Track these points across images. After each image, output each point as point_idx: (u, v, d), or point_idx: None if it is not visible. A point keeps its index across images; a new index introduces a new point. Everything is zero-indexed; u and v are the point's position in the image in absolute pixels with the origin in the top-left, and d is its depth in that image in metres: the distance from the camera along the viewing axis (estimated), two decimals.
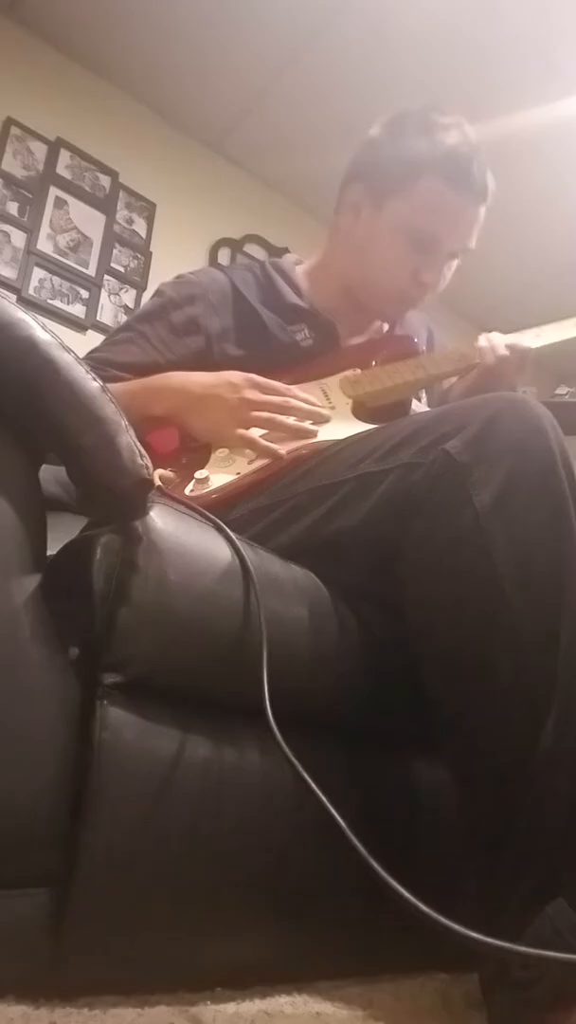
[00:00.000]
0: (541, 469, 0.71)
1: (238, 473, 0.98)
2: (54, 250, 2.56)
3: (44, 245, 2.55)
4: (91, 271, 2.63)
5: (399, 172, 1.09)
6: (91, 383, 0.64)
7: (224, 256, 2.97)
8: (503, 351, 1.06)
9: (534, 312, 1.19)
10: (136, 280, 2.74)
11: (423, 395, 1.22)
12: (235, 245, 3.01)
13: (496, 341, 1.07)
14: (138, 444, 0.65)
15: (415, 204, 1.08)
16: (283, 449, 0.96)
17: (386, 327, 1.26)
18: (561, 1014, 0.56)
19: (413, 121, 1.11)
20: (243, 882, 0.67)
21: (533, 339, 1.08)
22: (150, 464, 0.65)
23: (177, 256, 2.79)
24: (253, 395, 0.99)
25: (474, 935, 0.48)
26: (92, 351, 1.14)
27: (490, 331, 1.10)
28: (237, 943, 0.69)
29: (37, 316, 0.64)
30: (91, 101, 2.72)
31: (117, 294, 2.69)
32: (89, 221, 2.67)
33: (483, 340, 1.08)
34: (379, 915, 0.66)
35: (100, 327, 2.57)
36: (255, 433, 0.98)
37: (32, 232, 2.52)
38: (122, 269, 2.72)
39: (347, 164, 1.17)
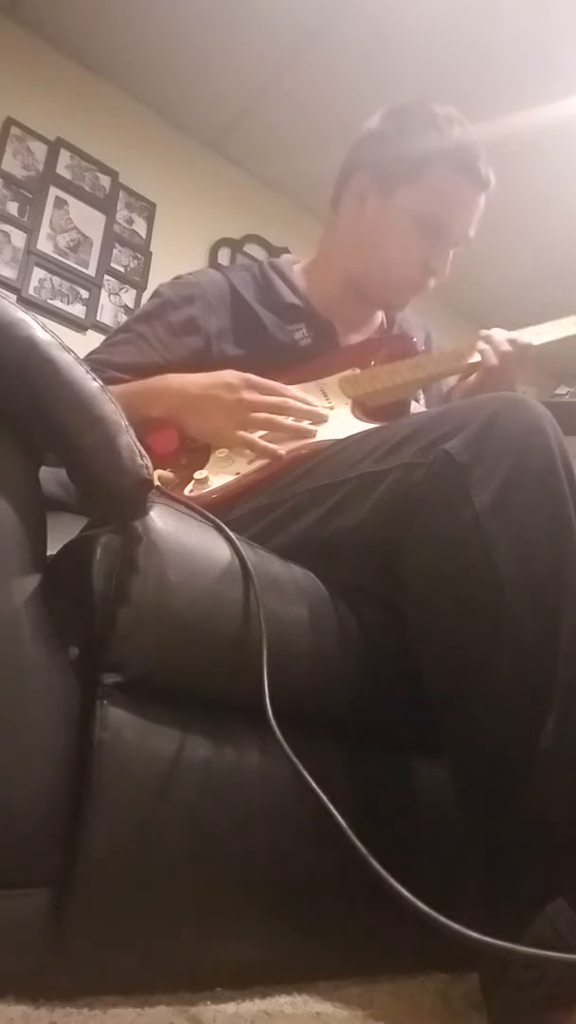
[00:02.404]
0: (541, 469, 0.71)
1: (238, 473, 0.97)
2: (54, 250, 2.56)
3: (44, 245, 2.55)
4: (91, 271, 2.63)
5: (409, 161, 1.10)
6: (91, 383, 0.64)
7: (224, 256, 2.97)
8: (505, 347, 1.06)
9: (534, 312, 1.19)
10: (136, 280, 2.74)
11: (421, 396, 1.22)
12: (235, 245, 3.01)
13: (497, 338, 1.07)
14: (138, 444, 0.65)
15: (427, 191, 1.10)
16: (282, 449, 0.96)
17: (385, 325, 1.26)
18: (561, 1014, 0.56)
19: (415, 114, 1.13)
20: (243, 882, 0.67)
21: (534, 336, 1.08)
22: (150, 464, 0.65)
23: (177, 256, 2.79)
24: (251, 396, 0.99)
25: (474, 935, 0.48)
26: (91, 352, 1.14)
27: (490, 330, 1.10)
28: (237, 943, 0.69)
29: (37, 316, 0.64)
30: (91, 101, 2.72)
31: (117, 294, 2.69)
32: (89, 221, 2.67)
33: (483, 342, 1.08)
34: (379, 915, 0.65)
35: (100, 327, 2.57)
36: (254, 433, 0.98)
37: (32, 232, 2.52)
38: (122, 269, 2.72)
39: (345, 157, 1.18)
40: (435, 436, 0.75)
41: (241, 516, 0.91)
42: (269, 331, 1.13)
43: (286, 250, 2.94)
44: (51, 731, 0.59)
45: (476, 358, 1.08)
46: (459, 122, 1.11)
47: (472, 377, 1.12)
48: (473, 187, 1.12)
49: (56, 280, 2.55)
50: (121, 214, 2.77)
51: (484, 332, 1.08)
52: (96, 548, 0.65)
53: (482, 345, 1.07)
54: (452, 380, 1.22)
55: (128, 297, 2.71)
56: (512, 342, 1.07)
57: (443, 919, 0.48)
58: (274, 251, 3.03)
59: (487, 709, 0.67)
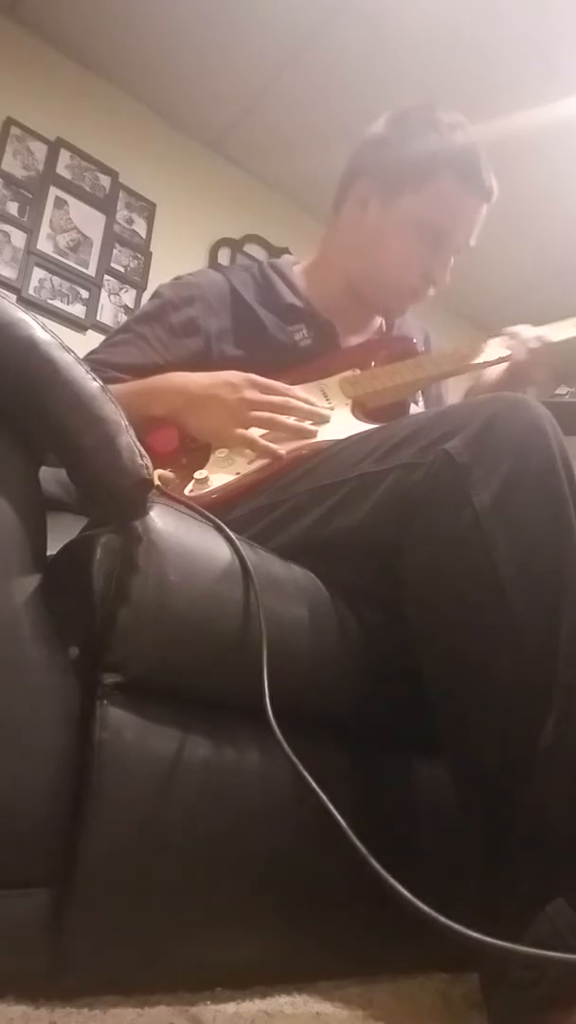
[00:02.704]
0: (541, 469, 0.71)
1: (238, 473, 0.97)
2: (54, 250, 2.56)
3: (44, 245, 2.55)
4: (91, 271, 2.63)
5: (412, 168, 1.10)
6: (91, 383, 0.64)
7: (224, 256, 2.97)
8: (534, 343, 1.06)
9: (534, 312, 1.19)
10: (136, 280, 2.74)
11: (419, 398, 1.22)
12: (235, 245, 3.01)
13: (526, 334, 1.08)
14: (138, 444, 0.65)
15: (429, 200, 1.10)
16: (283, 449, 0.96)
17: (384, 327, 1.26)
18: (561, 1014, 0.56)
19: (419, 119, 1.13)
20: (243, 882, 0.67)
21: (553, 333, 1.08)
22: (150, 464, 0.65)
23: (177, 256, 2.78)
24: (252, 395, 0.99)
25: (474, 935, 0.48)
26: (90, 353, 1.14)
27: (489, 331, 1.11)
28: (237, 943, 0.69)
29: (37, 316, 0.64)
30: (91, 101, 2.72)
31: (117, 294, 2.69)
32: (89, 221, 2.67)
33: (509, 338, 1.08)
34: (379, 915, 0.65)
35: (100, 327, 2.57)
36: (255, 433, 0.98)
37: (32, 232, 2.52)
38: (122, 269, 2.72)
39: (349, 160, 1.18)
40: (435, 436, 0.75)
41: (241, 516, 0.91)
42: (269, 331, 1.13)
43: (286, 250, 2.94)
44: (51, 731, 0.59)
45: (498, 354, 1.08)
46: (463, 129, 1.11)
47: (494, 375, 1.12)
48: (475, 197, 1.12)
49: (56, 280, 2.55)
50: (121, 214, 2.77)
51: (510, 329, 1.09)
52: (96, 548, 0.65)
53: (510, 341, 1.07)
54: (451, 382, 1.22)
55: (128, 297, 2.71)
56: (538, 338, 1.07)
57: (443, 919, 0.48)
58: (274, 251, 3.03)
59: (487, 709, 0.67)
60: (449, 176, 1.09)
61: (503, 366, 1.11)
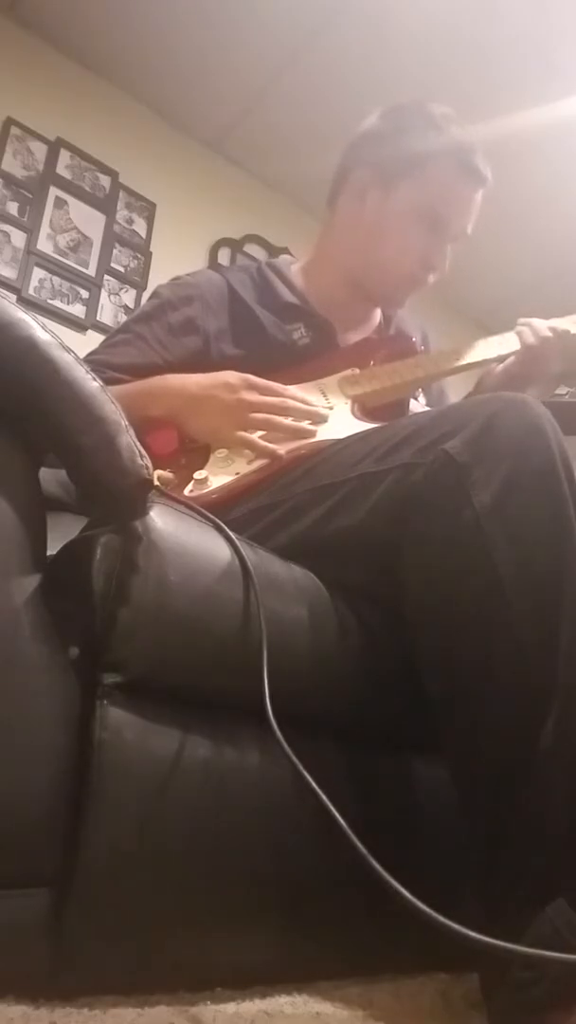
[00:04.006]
0: (541, 469, 0.71)
1: (237, 473, 0.97)
2: (54, 250, 2.56)
3: (44, 245, 2.55)
4: (91, 271, 2.63)
5: (408, 157, 1.12)
6: (91, 383, 0.64)
7: (224, 256, 2.97)
8: (545, 332, 1.08)
9: (534, 312, 1.19)
10: (136, 280, 2.74)
11: (420, 395, 1.22)
12: (235, 245, 3.01)
13: (537, 324, 1.10)
14: (138, 444, 0.65)
15: (427, 187, 1.12)
16: (282, 449, 0.96)
17: (383, 324, 1.26)
18: (561, 1014, 0.56)
19: (412, 112, 1.15)
20: (243, 882, 0.67)
21: (571, 324, 1.10)
22: (150, 464, 0.65)
23: (177, 256, 2.79)
24: (250, 396, 0.99)
25: (474, 935, 0.48)
26: (90, 353, 1.14)
27: (489, 331, 1.12)
28: (237, 943, 0.69)
29: (37, 316, 0.64)
30: (91, 101, 2.72)
31: (117, 294, 2.69)
32: (89, 221, 2.67)
33: (521, 325, 1.10)
34: (379, 915, 0.66)
35: (100, 327, 2.57)
36: (254, 434, 0.98)
37: (32, 232, 2.52)
38: (122, 269, 2.72)
39: (343, 155, 1.20)
40: (435, 436, 0.75)
41: (241, 516, 0.91)
42: (268, 331, 1.13)
43: (286, 250, 2.94)
44: (51, 731, 0.59)
45: (509, 347, 1.09)
46: (455, 121, 1.13)
47: (508, 363, 1.12)
48: (472, 183, 1.13)
49: (56, 280, 2.55)
50: (121, 214, 2.77)
51: (524, 320, 1.11)
52: (96, 548, 0.65)
53: (520, 328, 1.09)
54: (454, 378, 1.21)
55: (128, 297, 2.71)
56: (552, 329, 1.08)
57: (443, 919, 0.48)
58: (274, 251, 3.03)
59: (487, 709, 0.67)
60: (445, 163, 1.11)
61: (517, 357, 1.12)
